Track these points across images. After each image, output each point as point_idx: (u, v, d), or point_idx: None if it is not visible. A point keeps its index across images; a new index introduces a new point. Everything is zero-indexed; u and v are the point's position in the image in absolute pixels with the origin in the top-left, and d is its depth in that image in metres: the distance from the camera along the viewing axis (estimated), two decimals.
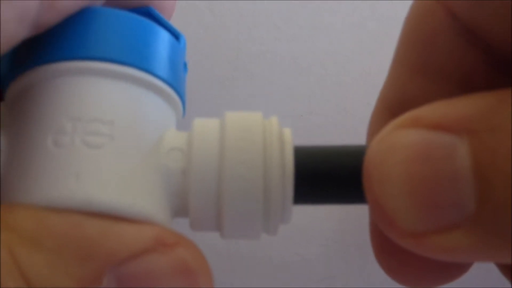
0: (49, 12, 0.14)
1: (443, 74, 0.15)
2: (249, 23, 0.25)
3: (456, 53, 0.15)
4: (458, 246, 0.12)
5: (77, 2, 0.15)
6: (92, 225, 0.13)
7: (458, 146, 0.12)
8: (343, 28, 0.25)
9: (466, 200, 0.12)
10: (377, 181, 0.13)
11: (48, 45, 0.15)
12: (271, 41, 0.25)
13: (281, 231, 0.15)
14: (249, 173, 0.14)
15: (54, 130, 0.14)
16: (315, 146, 0.15)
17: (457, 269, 0.17)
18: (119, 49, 0.15)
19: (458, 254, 0.12)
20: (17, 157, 0.14)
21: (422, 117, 0.12)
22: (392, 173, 0.12)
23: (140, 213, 0.14)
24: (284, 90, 0.24)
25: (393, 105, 0.16)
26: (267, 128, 0.15)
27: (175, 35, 0.17)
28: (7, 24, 0.13)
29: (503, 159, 0.11)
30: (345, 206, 0.16)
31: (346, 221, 0.22)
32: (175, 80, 0.16)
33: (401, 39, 0.16)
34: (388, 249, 0.16)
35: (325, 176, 0.15)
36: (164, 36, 0.17)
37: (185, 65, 0.18)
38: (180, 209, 0.15)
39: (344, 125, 0.24)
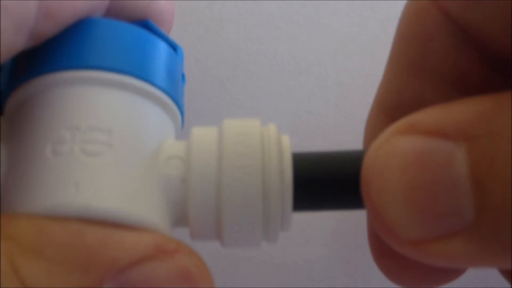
0: (47, 22, 0.14)
1: (438, 74, 0.15)
2: (249, 23, 0.25)
3: (451, 53, 0.15)
4: (457, 253, 0.12)
5: (75, 13, 0.15)
6: (92, 233, 0.13)
7: (456, 153, 0.12)
8: (343, 28, 0.25)
9: (464, 207, 0.11)
10: (375, 189, 0.13)
11: (45, 55, 0.15)
12: (271, 41, 0.25)
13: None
14: (247, 177, 0.14)
15: (53, 140, 0.14)
16: (313, 152, 0.15)
17: (455, 271, 0.17)
18: (117, 58, 0.15)
19: (457, 261, 0.12)
20: (16, 167, 0.14)
21: (419, 123, 0.12)
22: (390, 181, 0.12)
23: (139, 220, 0.14)
24: (284, 90, 0.24)
25: (389, 107, 0.16)
26: (265, 134, 0.15)
27: (173, 46, 0.18)
28: (4, 33, 0.13)
29: (501, 166, 0.11)
30: None
31: (346, 221, 0.22)
32: (173, 90, 0.16)
33: (395, 40, 0.16)
34: (386, 252, 0.16)
35: (324, 182, 0.15)
36: (161, 47, 0.17)
37: (183, 76, 0.18)
38: (180, 218, 0.15)
39: (344, 125, 0.24)
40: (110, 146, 0.14)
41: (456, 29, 0.14)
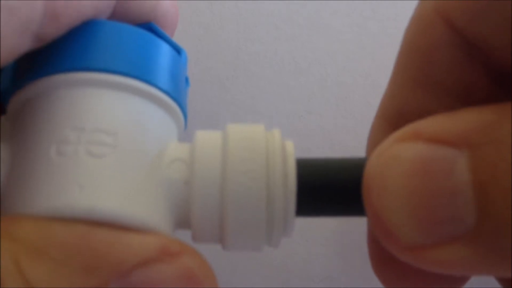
0: (52, 25, 0.14)
1: (443, 87, 0.15)
2: (249, 23, 0.25)
3: (456, 66, 0.15)
4: (457, 260, 0.12)
5: (80, 15, 0.15)
6: (97, 235, 0.13)
7: (458, 160, 0.12)
8: (343, 28, 0.25)
9: (465, 214, 0.11)
10: (377, 195, 0.13)
11: (50, 57, 0.15)
12: (271, 41, 0.25)
13: None
14: (252, 182, 0.14)
15: (57, 140, 0.14)
16: (316, 158, 0.15)
17: (455, 280, 0.17)
18: (121, 60, 0.15)
19: (457, 268, 0.12)
20: (20, 167, 0.14)
21: (422, 131, 0.12)
22: (391, 188, 0.12)
23: (143, 222, 0.14)
24: (284, 90, 0.24)
25: (393, 117, 0.16)
26: (270, 139, 0.15)
27: (177, 49, 0.18)
28: (9, 35, 0.13)
29: (503, 174, 0.11)
30: None
31: (346, 221, 0.22)
32: (177, 93, 0.16)
33: (401, 51, 0.16)
34: (385, 262, 0.16)
35: (327, 189, 0.15)
36: (165, 50, 0.17)
37: (187, 79, 0.18)
38: (182, 220, 0.15)
39: (344, 125, 0.24)
40: (114, 148, 0.14)
41: (461, 41, 0.14)
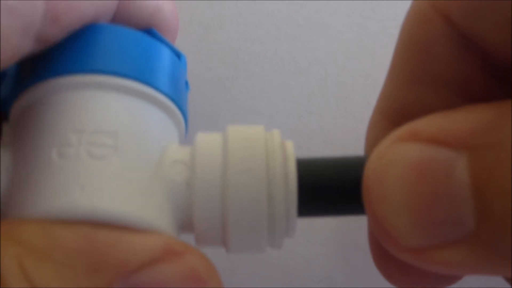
0: (53, 26, 0.14)
1: (440, 81, 0.15)
2: (249, 23, 0.25)
3: (453, 60, 0.15)
4: (457, 261, 0.12)
5: (81, 17, 0.15)
6: (99, 235, 0.13)
7: (457, 162, 0.12)
8: (343, 28, 0.25)
9: (465, 217, 0.12)
10: (377, 197, 0.13)
11: (51, 60, 0.15)
12: (271, 41, 0.25)
13: None
14: (252, 181, 0.14)
15: (58, 143, 0.14)
16: (316, 158, 0.15)
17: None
18: (121, 63, 0.15)
19: (457, 269, 0.12)
20: (22, 171, 0.14)
21: (420, 131, 0.12)
22: (391, 190, 0.12)
23: (146, 222, 0.14)
24: (284, 90, 0.24)
25: (390, 112, 0.16)
26: (269, 139, 0.15)
27: (176, 54, 0.18)
28: (11, 35, 0.13)
29: (502, 175, 0.11)
30: None
31: (346, 221, 0.22)
32: (177, 96, 0.16)
33: (397, 47, 0.16)
34: (387, 256, 0.16)
35: (328, 188, 0.15)
36: (165, 53, 0.17)
37: (186, 83, 0.19)
38: (185, 223, 0.15)
39: (344, 125, 0.24)
40: (115, 149, 0.14)
41: (458, 36, 0.14)
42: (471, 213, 0.11)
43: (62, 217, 0.13)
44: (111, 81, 0.15)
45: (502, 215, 0.11)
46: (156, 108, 0.15)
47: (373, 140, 0.17)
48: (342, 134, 0.24)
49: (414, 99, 0.16)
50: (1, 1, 0.13)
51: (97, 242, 0.13)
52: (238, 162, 0.14)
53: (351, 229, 0.23)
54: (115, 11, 0.17)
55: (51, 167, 0.14)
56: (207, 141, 0.15)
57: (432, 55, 0.15)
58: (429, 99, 0.15)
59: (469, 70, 0.15)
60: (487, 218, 0.11)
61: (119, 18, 0.17)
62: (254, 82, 0.24)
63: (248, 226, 0.14)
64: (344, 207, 0.15)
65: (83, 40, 0.15)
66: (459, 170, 0.12)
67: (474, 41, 0.14)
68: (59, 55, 0.15)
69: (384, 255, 0.17)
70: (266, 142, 0.15)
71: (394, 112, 0.16)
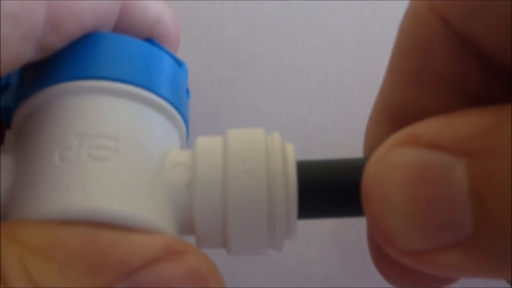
0: (54, 34, 0.15)
1: (438, 81, 0.15)
2: (249, 23, 0.25)
3: (451, 61, 0.15)
4: (456, 265, 0.12)
5: (81, 25, 0.15)
6: (101, 236, 0.13)
7: (456, 167, 0.12)
8: (343, 28, 0.25)
9: (463, 220, 0.12)
10: (376, 201, 0.13)
11: (52, 67, 0.15)
12: (271, 41, 0.25)
13: None
14: (253, 181, 0.14)
15: (60, 146, 0.14)
16: (316, 160, 0.15)
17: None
18: (122, 69, 0.15)
19: (456, 272, 0.12)
20: (24, 174, 0.14)
21: (419, 135, 0.12)
22: (390, 193, 0.12)
23: (147, 223, 0.14)
24: (284, 90, 0.24)
25: (389, 112, 0.16)
26: (269, 140, 0.15)
27: (177, 62, 0.18)
28: (12, 42, 0.13)
29: (501, 180, 0.11)
30: None
31: (346, 222, 0.22)
32: (177, 101, 0.16)
33: (395, 47, 0.16)
34: (386, 258, 0.16)
35: (328, 190, 0.15)
36: (166, 60, 0.17)
37: (187, 91, 0.19)
38: (186, 225, 0.15)
39: (344, 125, 0.24)
40: (116, 152, 0.14)
41: (456, 37, 0.14)
42: (469, 217, 0.11)
43: (63, 217, 0.13)
44: (112, 86, 0.15)
45: (500, 219, 0.11)
46: (157, 113, 0.16)
47: (371, 139, 0.17)
48: (342, 134, 0.24)
49: (413, 98, 0.16)
50: (2, 8, 0.13)
51: (99, 242, 0.13)
52: (238, 163, 0.14)
53: (351, 229, 0.23)
54: (116, 22, 0.17)
55: (53, 170, 0.14)
56: (208, 144, 0.15)
57: (430, 55, 0.15)
58: (428, 99, 0.15)
59: (467, 70, 0.15)
60: (486, 222, 0.11)
61: (120, 29, 0.17)
62: (254, 82, 0.24)
63: (248, 228, 0.14)
64: (343, 209, 0.15)
65: (84, 47, 0.15)
66: (458, 175, 0.12)
67: (471, 42, 0.14)
68: (61, 62, 0.15)
69: (383, 256, 0.17)
70: (267, 144, 0.15)
71: (392, 112, 0.16)
